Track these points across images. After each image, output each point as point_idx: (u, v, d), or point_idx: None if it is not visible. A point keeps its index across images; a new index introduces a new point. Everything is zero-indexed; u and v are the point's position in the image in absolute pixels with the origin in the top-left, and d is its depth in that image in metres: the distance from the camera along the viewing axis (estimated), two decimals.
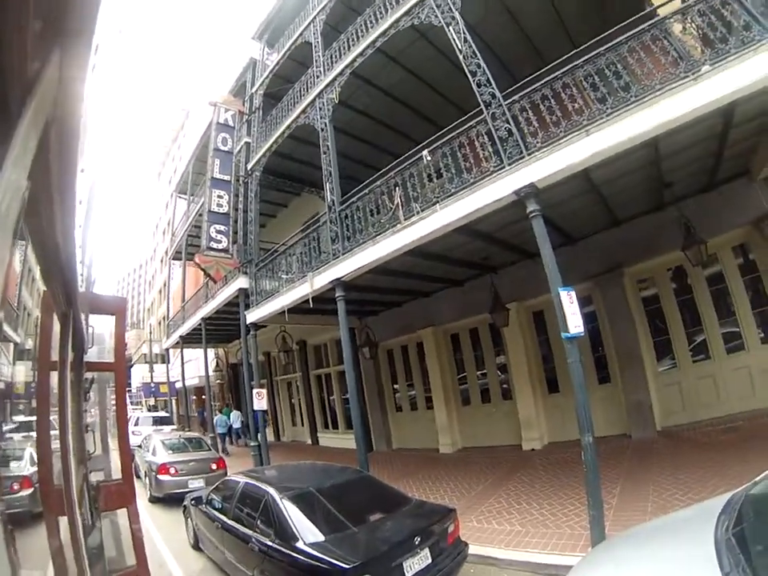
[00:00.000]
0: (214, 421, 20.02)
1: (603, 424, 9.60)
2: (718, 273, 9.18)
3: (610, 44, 6.33)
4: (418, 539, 4.39)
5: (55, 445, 2.18)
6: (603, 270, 9.95)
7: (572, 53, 6.83)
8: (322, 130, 10.58)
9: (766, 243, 8.36)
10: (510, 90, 7.26)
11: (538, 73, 7.07)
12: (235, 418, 20.30)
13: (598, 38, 6.60)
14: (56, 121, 0.76)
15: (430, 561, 4.43)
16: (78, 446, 3.91)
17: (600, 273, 9.99)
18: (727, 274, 9.05)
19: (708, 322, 9.19)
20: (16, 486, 2.27)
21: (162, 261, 41.74)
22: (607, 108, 6.10)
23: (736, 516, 2.85)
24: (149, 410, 31.57)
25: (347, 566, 3.82)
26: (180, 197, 25.21)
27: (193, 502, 7.64)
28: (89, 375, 4.37)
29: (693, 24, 6.19)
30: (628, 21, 6.44)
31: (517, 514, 6.96)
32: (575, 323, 5.81)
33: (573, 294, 5.97)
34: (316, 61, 11.44)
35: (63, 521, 2.05)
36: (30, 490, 1.94)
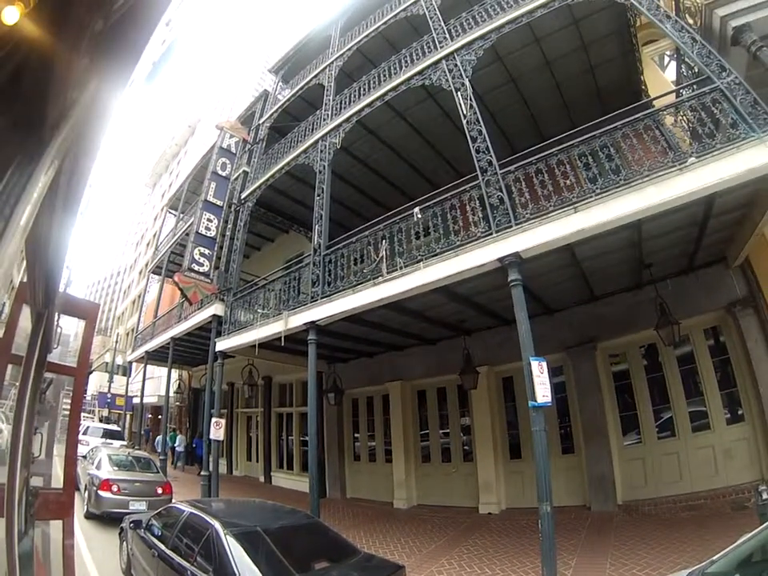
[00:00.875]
0: (156, 441, 20.48)
1: (564, 494, 9.57)
2: (688, 353, 9.34)
3: (606, 128, 6.67)
4: None
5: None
6: (577, 343, 10.09)
7: (570, 132, 7.18)
8: (320, 172, 10.76)
9: (737, 327, 8.58)
10: (506, 159, 7.53)
11: (536, 147, 7.38)
12: (179, 442, 21.28)
13: (596, 120, 6.95)
14: (80, 139, 0.81)
15: None
16: (26, 447, 3.79)
17: (573, 345, 10.13)
18: (697, 354, 9.22)
19: (676, 399, 9.27)
20: None
21: (140, 272, 41.37)
22: (597, 188, 6.39)
23: None
24: (100, 421, 30.54)
25: None
26: (171, 212, 25.14)
27: (131, 524, 7.32)
28: (48, 376, 4.28)
29: (684, 118, 6.66)
30: (625, 108, 6.83)
31: None
32: (543, 393, 5.88)
33: (544, 364, 6.08)
34: (326, 104, 11.74)
35: None
36: None
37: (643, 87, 10.11)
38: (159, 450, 19.44)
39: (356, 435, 15.00)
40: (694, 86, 6.64)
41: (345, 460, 14.67)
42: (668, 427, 9.37)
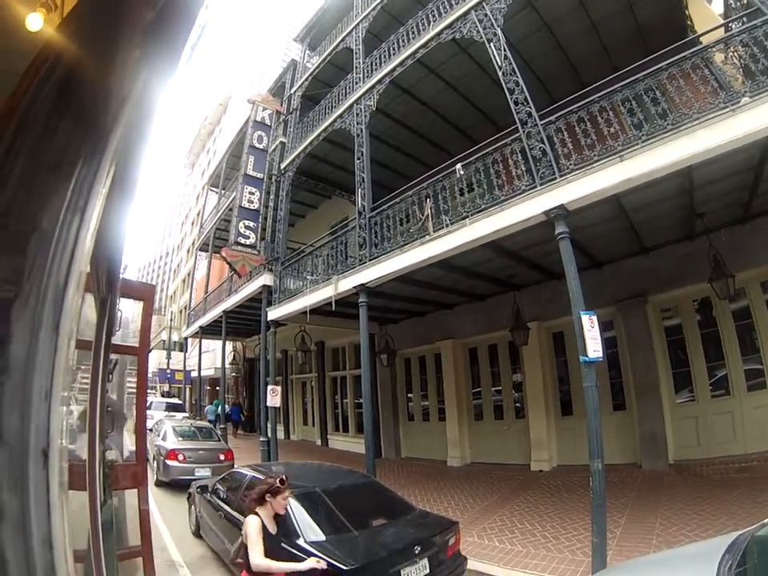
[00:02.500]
0: (205, 410, 23.28)
1: (615, 451, 9.47)
2: (744, 307, 8.92)
3: (650, 70, 6.31)
4: (418, 548, 4.40)
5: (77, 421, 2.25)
6: (627, 296, 9.82)
7: (611, 76, 6.84)
8: (358, 135, 10.68)
9: None
10: (546, 110, 7.28)
11: (576, 94, 7.08)
12: (231, 409, 22.92)
13: (639, 62, 6.61)
14: (134, 129, 0.83)
15: (428, 571, 4.43)
16: (100, 424, 4.02)
17: (624, 299, 9.86)
18: (754, 309, 8.78)
19: (731, 357, 8.92)
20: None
21: (188, 251, 42.35)
22: (643, 134, 6.07)
23: (740, 556, 2.83)
24: (162, 395, 31.95)
25: (345, 568, 3.85)
26: (212, 190, 25.52)
27: (198, 489, 7.74)
28: (113, 357, 4.49)
29: (735, 54, 6.14)
30: (670, 47, 6.43)
31: (519, 533, 6.91)
32: (594, 348, 5.78)
33: (594, 318, 5.95)
34: (356, 67, 11.58)
35: (81, 495, 2.12)
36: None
37: (689, 23, 9.42)
38: (211, 419, 21.13)
39: (409, 395, 15.19)
40: (744, 19, 6.17)
41: (399, 420, 14.92)
42: (722, 385, 9.05)
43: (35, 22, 1.34)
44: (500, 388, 12.58)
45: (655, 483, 8.27)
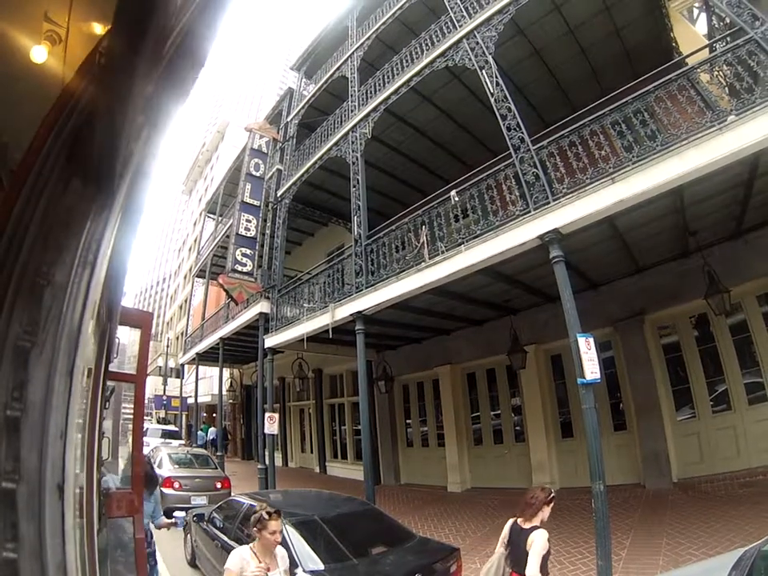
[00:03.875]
0: (199, 435, 23.03)
1: (617, 472, 9.44)
2: (741, 321, 8.95)
3: (638, 92, 6.45)
4: None
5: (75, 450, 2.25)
6: (624, 316, 9.86)
7: (601, 100, 6.96)
8: (353, 163, 10.79)
9: None
10: (539, 134, 7.43)
11: (568, 119, 7.23)
12: (212, 433, 23.82)
13: (628, 85, 6.76)
14: (138, 179, 0.87)
15: None
16: (97, 451, 4.00)
17: (621, 319, 9.91)
18: (751, 323, 8.80)
19: (730, 371, 8.92)
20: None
21: (185, 277, 42.34)
22: (633, 156, 6.18)
23: (747, 572, 2.83)
24: (158, 422, 31.68)
25: None
26: (209, 216, 25.68)
27: (194, 518, 7.63)
28: (110, 384, 4.49)
29: (720, 73, 6.34)
30: (657, 70, 6.59)
31: None
32: (592, 369, 5.80)
33: (591, 340, 5.97)
34: (351, 95, 11.75)
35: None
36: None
37: (674, 45, 9.67)
38: (200, 443, 21.47)
39: (408, 421, 15.11)
40: (728, 39, 6.34)
41: (398, 446, 14.81)
42: (723, 400, 9.03)
43: (39, 54, 1.39)
44: (499, 412, 12.53)
45: (660, 502, 8.19)
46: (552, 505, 3.84)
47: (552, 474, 10.77)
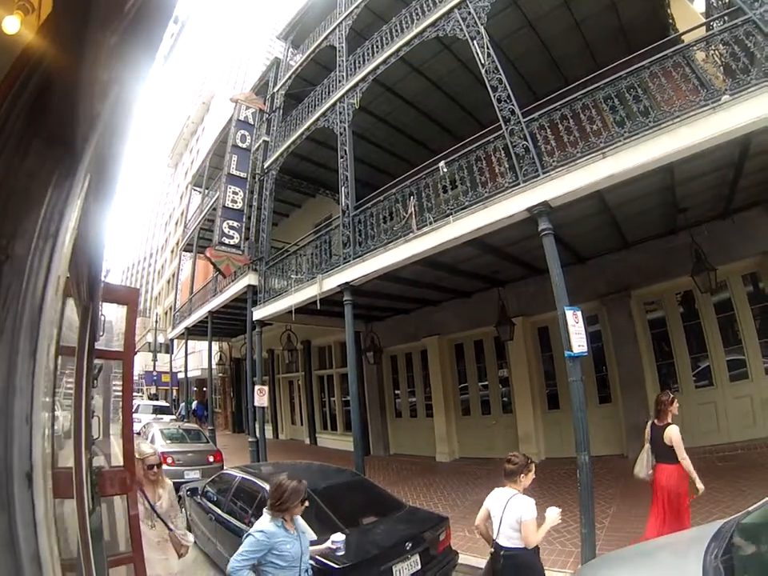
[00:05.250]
0: (180, 407, 25.38)
1: (601, 443, 9.61)
2: (726, 300, 9.11)
3: (632, 68, 6.37)
4: (409, 545, 4.45)
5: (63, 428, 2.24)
6: (611, 291, 9.95)
7: (594, 74, 6.89)
8: (341, 134, 10.66)
9: None
10: (529, 107, 7.33)
11: (560, 92, 7.13)
12: (197, 406, 26.65)
13: (621, 60, 6.67)
14: (108, 143, 0.84)
15: (419, 567, 4.48)
16: (86, 431, 4.00)
17: (608, 293, 9.99)
18: (736, 301, 8.97)
19: (713, 348, 9.10)
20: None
21: (172, 252, 41.99)
22: (625, 132, 6.13)
23: (726, 544, 2.89)
24: (149, 398, 31.80)
25: (337, 567, 3.89)
26: (195, 189, 25.37)
27: (188, 492, 7.69)
28: (98, 362, 4.46)
29: (716, 53, 6.25)
30: (652, 45, 6.49)
31: None
32: (579, 343, 5.85)
33: (579, 313, 6.01)
34: (339, 65, 11.54)
35: (68, 503, 2.11)
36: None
37: (671, 21, 9.52)
38: (183, 414, 22.98)
39: (396, 392, 15.26)
40: (726, 18, 6.23)
41: (387, 417, 14.99)
42: (706, 376, 9.24)
43: (12, 24, 1.33)
44: (487, 383, 12.67)
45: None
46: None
47: (538, 445, 10.95)
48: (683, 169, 6.38)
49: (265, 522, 3.45)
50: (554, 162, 6.70)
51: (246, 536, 3.40)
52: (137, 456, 3.82)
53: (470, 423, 12.77)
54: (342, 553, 3.55)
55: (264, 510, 3.58)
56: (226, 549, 5.65)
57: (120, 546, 4.28)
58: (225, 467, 10.06)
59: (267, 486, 5.30)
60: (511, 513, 3.75)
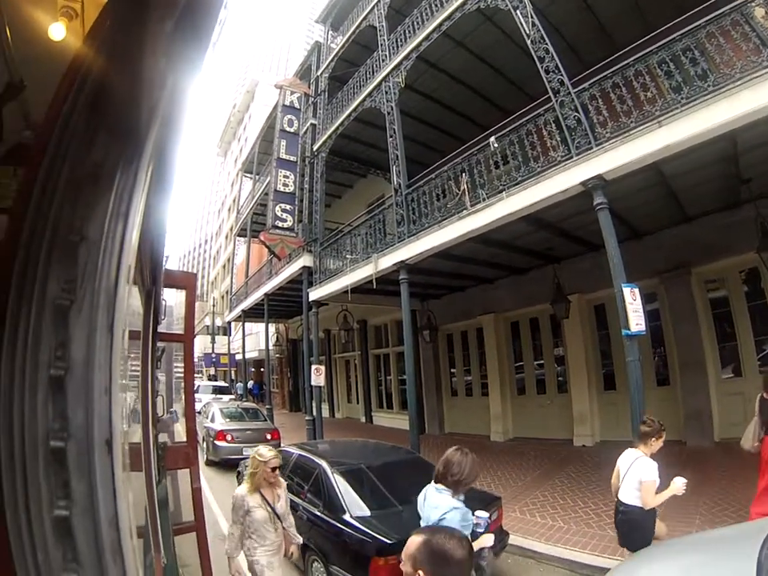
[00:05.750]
0: (237, 386, 26.65)
1: None
2: None
3: (687, 28, 5.97)
4: None
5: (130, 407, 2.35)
6: (670, 268, 9.49)
7: (646, 38, 6.56)
8: (389, 113, 10.61)
9: None
10: (579, 77, 7.07)
11: (610, 59, 6.84)
12: (253, 385, 28.54)
13: (675, 21, 6.29)
14: (167, 130, 0.87)
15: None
16: (152, 409, 4.21)
17: (666, 270, 9.54)
18: None
19: None
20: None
21: (226, 237, 43.05)
22: (682, 98, 5.78)
23: None
24: (209, 379, 32.96)
25: (389, 542, 3.97)
26: (246, 176, 25.88)
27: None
28: (160, 345, 4.66)
29: None
30: (707, 3, 6.07)
31: (561, 509, 6.92)
32: (637, 321, 5.69)
33: (636, 291, 5.83)
34: (381, 45, 11.43)
35: (138, 476, 2.25)
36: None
37: None
38: (241, 393, 24.17)
39: (452, 370, 15.27)
40: None
41: (442, 396, 15.02)
42: None
43: (58, 31, 1.39)
44: (542, 362, 12.51)
45: (700, 461, 8.01)
46: None
47: (593, 427, 10.79)
48: (746, 136, 5.92)
49: (453, 500, 3.42)
50: (607, 133, 6.43)
51: (443, 518, 3.30)
52: (258, 458, 3.95)
53: (524, 402, 12.67)
54: (482, 530, 3.51)
55: (440, 487, 3.55)
56: None
57: (184, 516, 4.52)
58: (282, 444, 10.35)
59: (324, 463, 5.46)
60: (634, 473, 4.21)
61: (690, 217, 9.19)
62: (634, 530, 4.18)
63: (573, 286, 10.73)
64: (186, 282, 4.34)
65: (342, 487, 4.93)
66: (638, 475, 4.14)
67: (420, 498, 3.75)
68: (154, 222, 1.43)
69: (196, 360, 41.64)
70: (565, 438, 11.13)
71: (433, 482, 3.66)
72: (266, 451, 4.03)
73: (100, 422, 0.61)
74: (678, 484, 4.03)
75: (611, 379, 10.85)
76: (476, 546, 3.24)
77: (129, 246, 0.69)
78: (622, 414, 9.20)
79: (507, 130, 7.90)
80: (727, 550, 3.13)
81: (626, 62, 6.46)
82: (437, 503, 3.43)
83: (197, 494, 4.21)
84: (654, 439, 4.34)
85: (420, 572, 1.84)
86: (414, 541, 1.91)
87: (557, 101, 7.00)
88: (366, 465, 5.50)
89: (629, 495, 4.21)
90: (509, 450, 11.22)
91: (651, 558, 3.55)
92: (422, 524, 3.47)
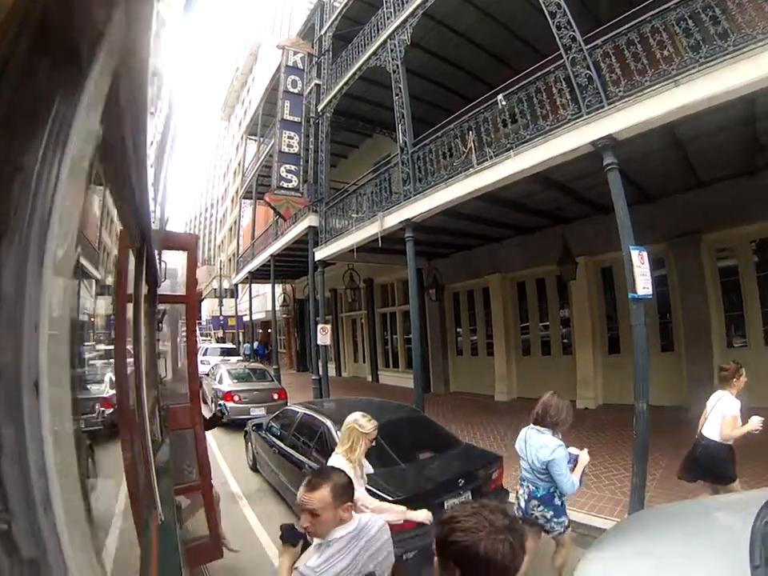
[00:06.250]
0: (243, 347, 27.51)
1: (661, 393, 9.18)
2: None
3: None
4: (462, 481, 4.55)
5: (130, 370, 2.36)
6: (680, 233, 9.31)
7: None
8: (394, 71, 10.35)
9: None
10: (592, 33, 6.77)
11: (625, 14, 6.53)
12: (258, 346, 28.46)
13: None
14: (125, 67, 0.83)
15: None
16: (152, 371, 4.25)
17: (676, 236, 9.36)
18: None
19: None
20: (98, 407, 2.55)
21: (232, 200, 42.86)
22: (700, 57, 5.48)
23: None
24: (217, 342, 33.35)
25: (392, 499, 4.03)
26: (250, 138, 25.64)
27: (254, 427, 8.16)
28: (161, 307, 4.68)
29: None
30: None
31: None
32: (644, 284, 5.62)
33: (644, 254, 5.75)
34: (386, 1, 11.03)
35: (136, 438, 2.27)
36: (110, 410, 2.19)
37: None
38: (247, 353, 24.71)
39: (458, 330, 15.37)
40: None
41: (448, 355, 15.16)
42: None
43: None
44: (547, 323, 12.55)
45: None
46: None
47: (596, 390, 10.88)
48: (766, 100, 5.63)
49: (555, 438, 3.92)
50: (619, 92, 6.19)
51: (552, 457, 3.72)
52: (359, 429, 3.65)
53: (529, 363, 12.75)
54: (571, 465, 3.80)
55: (541, 428, 4.02)
56: (288, 479, 5.98)
57: (192, 476, 4.61)
58: (289, 404, 10.52)
59: (328, 422, 5.53)
60: (718, 409, 4.59)
61: (702, 182, 8.96)
62: (717, 463, 4.57)
63: (581, 248, 10.62)
64: (186, 243, 4.33)
65: None
66: (721, 411, 4.52)
67: (519, 441, 4.16)
68: (133, 178, 1.39)
69: (204, 323, 42.22)
70: (568, 399, 11.14)
71: (532, 424, 4.10)
72: (365, 422, 3.69)
73: (29, 362, 0.59)
74: (755, 421, 4.33)
75: (616, 343, 10.90)
76: (580, 467, 3.85)
77: (63, 180, 0.66)
78: (626, 378, 9.18)
79: (516, 87, 7.67)
80: (722, 518, 3.17)
81: (642, 17, 6.14)
82: (543, 442, 3.85)
83: (202, 453, 4.29)
84: (734, 380, 4.64)
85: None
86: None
87: (568, 58, 6.73)
88: None
89: (711, 430, 4.59)
90: (512, 409, 11.30)
91: (646, 522, 3.61)
92: (525, 465, 4.00)
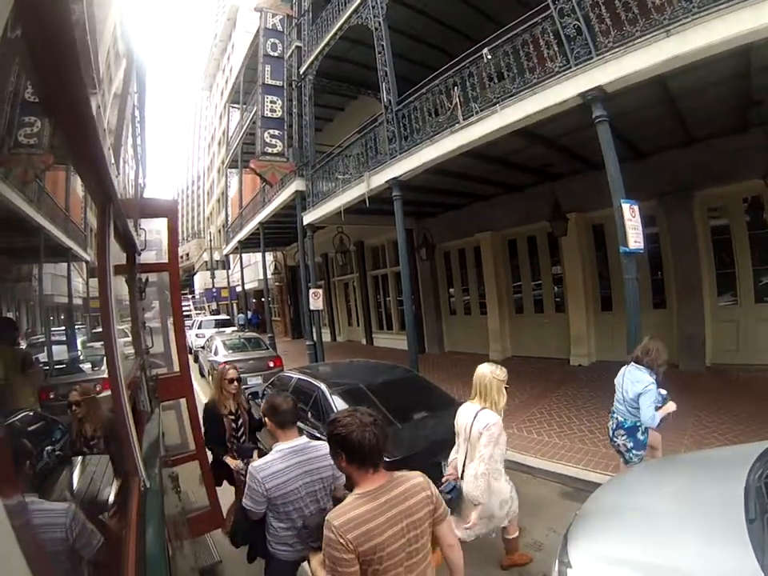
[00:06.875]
0: (237, 317, 27.72)
1: None
2: None
3: None
4: None
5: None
6: (671, 190, 9.19)
7: None
8: (376, 29, 10.07)
9: None
10: None
11: None
12: (251, 315, 27.84)
13: None
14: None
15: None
16: (136, 340, 4.20)
17: (667, 192, 9.25)
18: None
19: None
20: (98, 388, 2.52)
21: (219, 171, 42.39)
22: (693, 6, 5.23)
23: None
24: (211, 314, 33.30)
25: (389, 460, 4.03)
26: (233, 107, 25.22)
27: (249, 396, 8.14)
28: (142, 276, 4.60)
29: None
30: None
31: (557, 426, 7.15)
32: (635, 238, 5.60)
33: (636, 207, 5.71)
34: None
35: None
36: (109, 392, 2.17)
37: None
38: (242, 323, 24.90)
39: (450, 290, 15.39)
40: None
41: (441, 315, 15.23)
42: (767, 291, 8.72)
43: None
44: (540, 282, 12.56)
45: (691, 384, 8.15)
46: None
47: (589, 347, 10.95)
48: (761, 53, 5.45)
49: (649, 377, 4.26)
50: (609, 42, 5.98)
51: (644, 390, 4.18)
52: (497, 379, 3.84)
53: (522, 322, 12.83)
54: (660, 404, 4.22)
55: (640, 366, 4.44)
56: None
57: (187, 446, 4.63)
58: (284, 370, 10.54)
59: (322, 385, 5.54)
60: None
61: (695, 138, 8.81)
62: None
63: (571, 204, 10.54)
64: (166, 210, 4.24)
65: (341, 407, 5.00)
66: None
67: (618, 377, 4.75)
68: (91, 137, 1.32)
69: (197, 297, 42.18)
70: (562, 357, 11.34)
71: (632, 362, 4.54)
72: (499, 371, 3.91)
73: None
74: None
75: (608, 300, 10.93)
76: (665, 410, 4.21)
77: None
78: (618, 335, 9.27)
79: (501, 41, 7.46)
80: (716, 472, 3.19)
81: None
82: (638, 378, 4.29)
83: (196, 423, 4.29)
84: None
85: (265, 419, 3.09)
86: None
87: (556, 8, 6.50)
88: (364, 384, 5.59)
89: None
90: (507, 368, 11.02)
91: (640, 477, 3.64)
92: (619, 396, 4.58)
